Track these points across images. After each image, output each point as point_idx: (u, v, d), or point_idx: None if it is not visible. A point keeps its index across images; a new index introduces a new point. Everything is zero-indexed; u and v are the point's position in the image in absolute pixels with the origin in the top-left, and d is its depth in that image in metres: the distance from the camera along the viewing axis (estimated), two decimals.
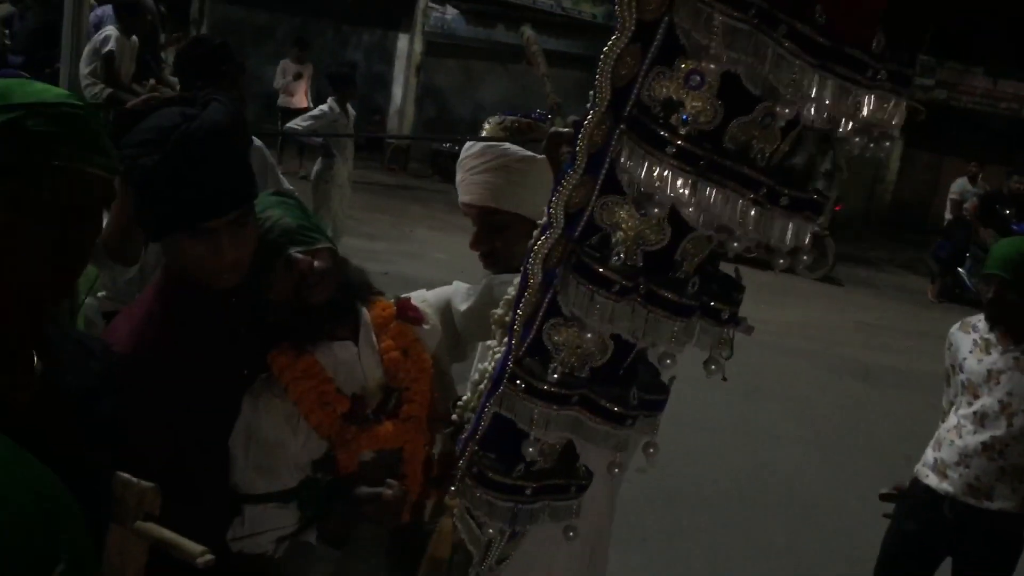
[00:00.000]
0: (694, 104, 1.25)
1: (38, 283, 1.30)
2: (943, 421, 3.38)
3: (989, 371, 3.19)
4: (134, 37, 6.96)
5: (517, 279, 1.44)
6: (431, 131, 16.90)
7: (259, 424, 1.85)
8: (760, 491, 4.90)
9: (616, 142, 1.29)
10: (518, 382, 1.35)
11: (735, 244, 1.30)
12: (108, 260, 2.62)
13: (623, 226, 1.34)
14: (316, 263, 1.84)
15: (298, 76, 13.22)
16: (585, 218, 1.36)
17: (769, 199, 1.27)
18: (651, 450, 1.42)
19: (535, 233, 1.40)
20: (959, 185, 13.00)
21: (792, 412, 6.58)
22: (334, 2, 16.15)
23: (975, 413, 3.20)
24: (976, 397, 3.22)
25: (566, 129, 1.84)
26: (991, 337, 3.22)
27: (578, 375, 1.36)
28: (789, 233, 1.30)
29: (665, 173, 1.23)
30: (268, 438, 1.85)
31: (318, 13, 16.22)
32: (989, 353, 3.22)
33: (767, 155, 1.31)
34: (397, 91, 16.98)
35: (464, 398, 1.60)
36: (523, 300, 1.43)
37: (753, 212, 1.27)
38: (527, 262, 1.39)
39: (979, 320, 3.30)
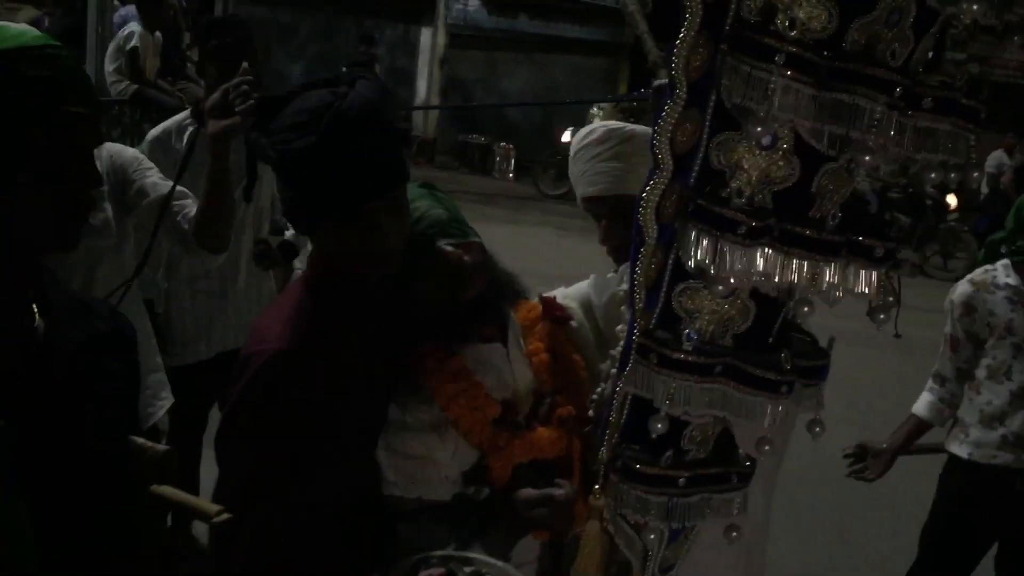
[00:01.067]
0: (805, 8, 1.10)
1: (39, 235, 1.26)
2: (961, 389, 3.12)
3: None
4: (157, 33, 6.88)
5: None
6: (457, 125, 16.77)
7: (406, 432, 1.72)
8: (806, 469, 4.85)
9: (721, 65, 1.14)
10: (650, 355, 1.19)
11: (874, 170, 1.15)
12: (196, 247, 2.57)
13: (745, 164, 1.20)
14: (468, 257, 1.70)
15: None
16: (699, 160, 1.21)
17: (907, 101, 1.12)
18: (817, 429, 1.26)
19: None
20: (995, 158, 12.74)
21: (834, 390, 6.43)
22: None
23: None
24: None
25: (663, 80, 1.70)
26: None
27: (720, 343, 1.20)
28: (941, 142, 1.16)
29: (779, 86, 1.08)
30: (416, 447, 1.71)
31: (341, 10, 16.13)
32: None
33: (901, 57, 1.16)
34: (421, 85, 16.86)
35: (599, 389, 1.46)
36: (640, 261, 1.26)
37: (892, 119, 1.12)
38: (637, 214, 1.23)
39: (999, 276, 3.04)
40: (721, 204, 1.18)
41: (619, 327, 1.34)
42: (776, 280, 1.15)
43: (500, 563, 1.62)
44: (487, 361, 1.75)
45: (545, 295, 1.92)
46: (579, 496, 1.72)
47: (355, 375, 1.62)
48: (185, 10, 8.51)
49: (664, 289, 1.22)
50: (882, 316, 1.17)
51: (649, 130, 2.09)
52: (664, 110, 1.20)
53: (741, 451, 1.30)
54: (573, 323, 1.92)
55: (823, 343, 1.37)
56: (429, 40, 16.79)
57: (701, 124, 1.22)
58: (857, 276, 1.16)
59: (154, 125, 3.48)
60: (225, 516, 1.35)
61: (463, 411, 1.70)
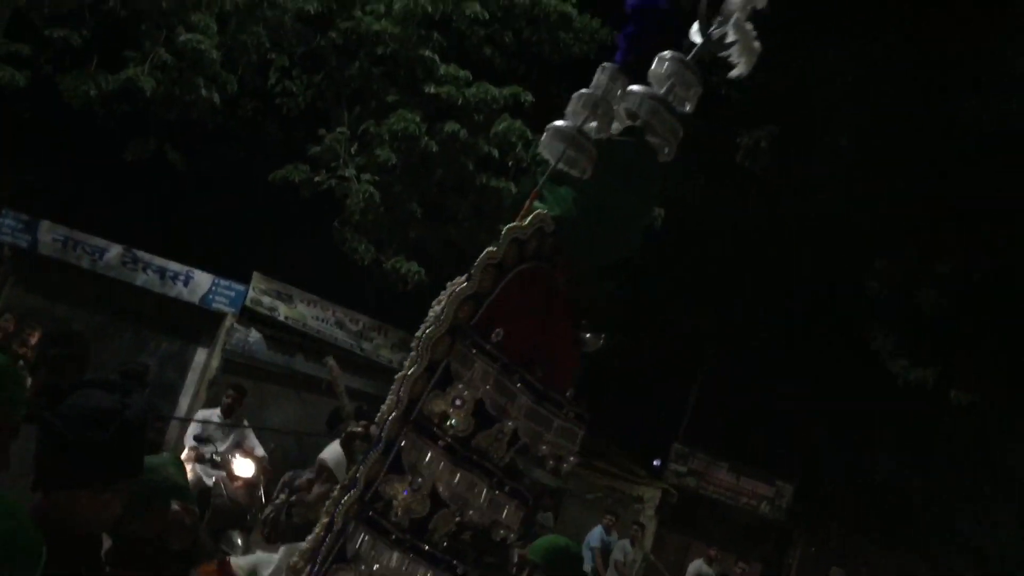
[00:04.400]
0: (457, 417, 1.92)
1: None
2: None
3: None
4: None
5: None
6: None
7: None
8: None
9: (403, 437, 1.92)
10: None
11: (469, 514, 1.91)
12: None
13: (398, 497, 1.93)
14: (187, 519, 2.31)
15: None
16: (375, 486, 1.94)
17: (498, 486, 1.92)
18: None
19: (335, 494, 1.96)
20: (695, 567, 14.21)
21: None
22: (140, 305, 16.51)
23: None
24: None
25: (359, 429, 2.47)
26: None
27: None
28: (506, 511, 1.94)
29: (434, 457, 1.86)
30: None
31: (121, 313, 16.45)
32: None
33: (500, 457, 1.98)
34: (184, 401, 17.00)
35: None
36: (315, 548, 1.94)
37: (485, 492, 1.91)
38: (332, 516, 1.93)
39: None
40: (383, 517, 1.90)
41: None
42: None
43: None
44: None
45: (227, 559, 2.54)
46: None
47: None
48: None
49: (319, 564, 1.90)
50: None
51: None
52: (367, 457, 1.96)
53: None
54: None
55: None
56: (203, 360, 17.23)
57: (382, 464, 1.96)
58: None
59: None
60: None
61: None
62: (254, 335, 17.42)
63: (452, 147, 12.84)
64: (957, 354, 14.32)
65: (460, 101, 12.77)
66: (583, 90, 2.10)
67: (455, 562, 1.91)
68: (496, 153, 12.91)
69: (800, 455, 20.95)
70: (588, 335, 2.20)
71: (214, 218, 16.58)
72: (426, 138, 12.78)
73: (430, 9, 12.33)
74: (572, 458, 2.07)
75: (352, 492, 1.91)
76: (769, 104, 13.97)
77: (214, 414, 10.05)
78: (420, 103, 13.08)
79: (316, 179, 13.01)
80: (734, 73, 2.38)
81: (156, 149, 13.63)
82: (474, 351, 1.83)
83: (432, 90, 12.89)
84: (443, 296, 1.97)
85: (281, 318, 17.24)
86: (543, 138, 2.07)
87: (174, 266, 16.42)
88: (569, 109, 2.09)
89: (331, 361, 9.51)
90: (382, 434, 1.91)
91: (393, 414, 1.91)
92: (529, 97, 12.99)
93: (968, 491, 18.92)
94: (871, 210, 14.54)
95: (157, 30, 11.87)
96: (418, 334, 1.95)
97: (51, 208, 15.53)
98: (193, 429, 9.92)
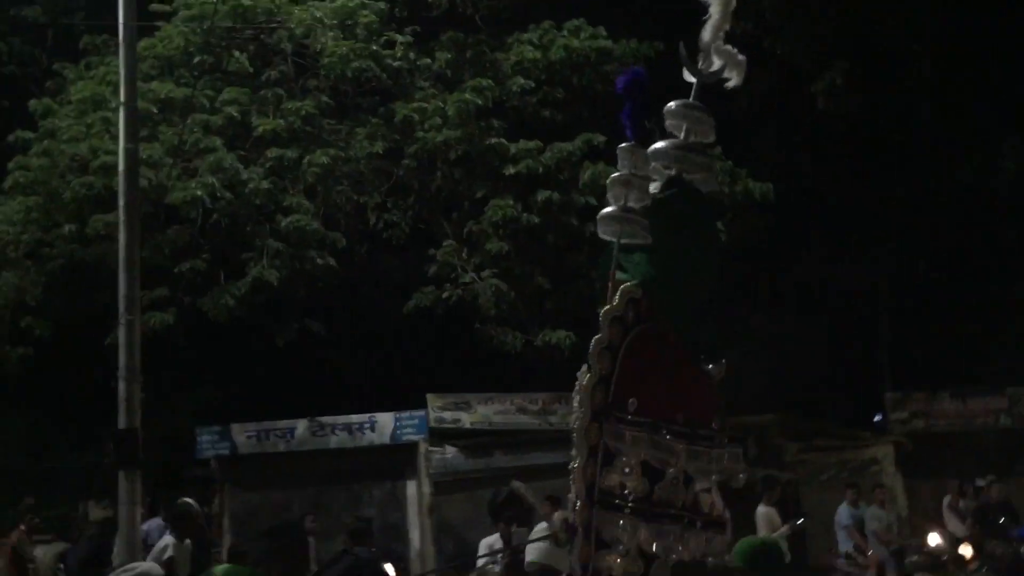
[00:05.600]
0: (631, 483, 2.21)
1: None
2: None
3: None
4: (187, 540, 7.98)
5: None
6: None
7: None
8: None
9: (595, 517, 2.22)
10: None
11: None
12: None
13: (616, 568, 2.23)
14: None
15: None
16: (591, 567, 2.24)
17: (690, 525, 2.19)
18: None
19: None
20: (946, 504, 13.78)
21: None
22: (340, 464, 17.45)
23: None
24: None
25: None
26: None
27: None
28: (709, 543, 2.21)
29: (625, 523, 2.16)
30: None
31: (329, 478, 17.43)
32: None
33: (682, 500, 2.25)
34: (414, 535, 17.73)
35: None
36: None
37: (682, 534, 2.18)
38: None
39: None
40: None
41: None
42: None
43: None
44: None
45: None
46: None
47: None
48: (209, 517, 9.73)
49: None
50: None
51: None
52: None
53: None
54: None
55: None
56: (415, 491, 17.98)
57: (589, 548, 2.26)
58: None
59: None
60: None
61: None
62: (449, 450, 18.09)
63: (551, 213, 13.27)
64: None
65: (540, 170, 13.23)
66: (614, 174, 2.43)
67: None
68: (593, 200, 13.26)
69: (1012, 358, 19.86)
70: (712, 367, 2.48)
71: (372, 363, 17.49)
72: (525, 215, 13.27)
73: (480, 102, 12.93)
74: (742, 475, 2.33)
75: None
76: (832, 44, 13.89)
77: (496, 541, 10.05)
78: (507, 186, 13.62)
79: (444, 296, 13.63)
80: (731, 84, 2.68)
81: (298, 326, 14.59)
82: (620, 426, 2.13)
83: (511, 171, 13.41)
84: (577, 382, 2.30)
85: (467, 426, 17.87)
86: (598, 227, 2.41)
87: (355, 418, 17.36)
88: (609, 195, 2.42)
89: (516, 483, 9.84)
90: (575, 522, 2.22)
91: (579, 503, 2.22)
92: (601, 137, 13.33)
93: None
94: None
95: (260, 226, 12.88)
96: (573, 426, 2.27)
97: (235, 413, 16.76)
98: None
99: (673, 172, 2.48)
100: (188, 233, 12.69)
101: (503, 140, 13.61)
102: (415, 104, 13.64)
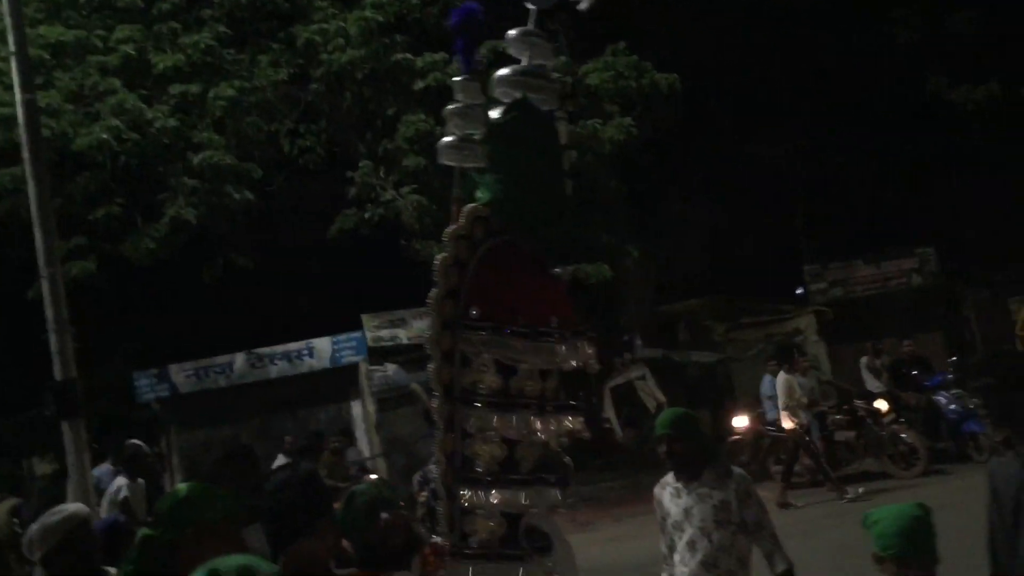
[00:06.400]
0: (485, 379, 2.52)
1: None
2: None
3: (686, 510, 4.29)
4: (140, 480, 8.29)
5: None
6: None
7: None
8: None
9: (456, 412, 2.54)
10: None
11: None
12: None
13: (482, 452, 2.55)
14: (396, 521, 3.09)
15: None
16: (458, 454, 2.57)
17: (541, 411, 2.52)
18: None
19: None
20: (864, 364, 14.63)
21: None
22: (284, 392, 17.71)
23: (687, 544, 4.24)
24: (683, 532, 4.27)
25: None
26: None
27: None
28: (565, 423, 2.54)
29: (484, 415, 2.48)
30: None
31: (275, 410, 17.72)
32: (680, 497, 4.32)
33: (537, 389, 2.57)
34: (364, 453, 18.21)
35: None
36: None
37: (537, 420, 2.51)
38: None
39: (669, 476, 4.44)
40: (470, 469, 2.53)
41: None
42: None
43: None
44: None
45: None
46: None
47: None
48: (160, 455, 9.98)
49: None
50: None
51: None
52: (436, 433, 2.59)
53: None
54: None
55: None
56: (360, 411, 18.38)
57: (453, 439, 2.58)
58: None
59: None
60: None
61: None
62: (390, 367, 18.46)
63: None
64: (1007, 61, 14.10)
65: (449, 81, 13.27)
66: (449, 106, 2.67)
67: (543, 477, 2.53)
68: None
69: (928, 215, 20.63)
70: (558, 269, 2.78)
71: (303, 290, 17.62)
72: (438, 128, 13.34)
73: (382, 19, 12.86)
74: (594, 362, 2.65)
75: (440, 468, 2.54)
76: None
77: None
78: (417, 101, 13.66)
79: (367, 216, 13.76)
80: (582, 6, 2.91)
81: (224, 261, 14.63)
82: (467, 332, 2.43)
83: (420, 85, 13.43)
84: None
85: (405, 342, 18.21)
86: (439, 156, 2.66)
87: (293, 346, 17.58)
88: (448, 126, 2.67)
89: (413, 384, 10.50)
90: (437, 418, 2.53)
91: (437, 400, 2.53)
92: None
93: None
94: None
95: (172, 165, 12.80)
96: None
97: (172, 354, 16.83)
98: None
99: (517, 95, 2.72)
100: (99, 179, 12.56)
101: (408, 55, 13.58)
102: (316, 26, 13.50)
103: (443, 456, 2.51)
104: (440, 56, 13.66)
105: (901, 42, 15.89)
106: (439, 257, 2.50)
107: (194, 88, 12.78)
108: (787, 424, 12.46)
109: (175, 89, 12.78)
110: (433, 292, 2.47)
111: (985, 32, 14.44)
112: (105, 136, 11.71)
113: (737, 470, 4.44)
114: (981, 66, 14.59)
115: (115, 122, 11.95)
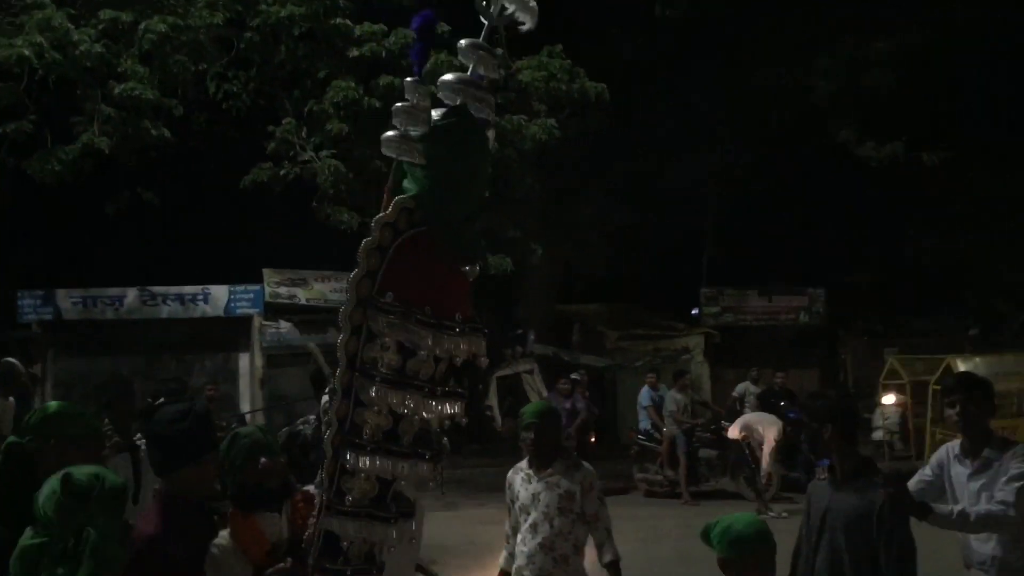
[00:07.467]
0: (386, 356, 2.77)
1: None
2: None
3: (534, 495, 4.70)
4: (11, 398, 8.16)
5: None
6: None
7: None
8: None
9: (354, 382, 2.78)
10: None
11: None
12: None
13: (370, 421, 2.80)
14: (273, 466, 3.28)
15: None
16: (348, 420, 2.81)
17: (431, 394, 2.78)
18: None
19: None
20: (740, 388, 15.34)
21: None
22: (172, 334, 17.50)
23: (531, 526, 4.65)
24: (529, 515, 4.68)
25: None
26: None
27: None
28: (450, 407, 2.81)
29: (379, 388, 2.73)
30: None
31: (158, 347, 17.48)
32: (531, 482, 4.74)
33: (430, 373, 2.83)
34: (245, 406, 18.13)
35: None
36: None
37: (427, 401, 2.77)
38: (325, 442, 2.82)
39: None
40: (356, 436, 2.77)
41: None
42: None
43: None
44: (268, 520, 3.23)
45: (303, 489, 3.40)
46: None
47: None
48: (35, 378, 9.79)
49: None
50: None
51: None
52: (333, 400, 2.82)
53: None
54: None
55: None
56: (247, 364, 18.29)
57: (348, 406, 2.82)
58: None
59: None
60: None
61: (249, 544, 3.15)
62: (284, 325, 18.43)
63: (393, 98, 13.42)
64: (915, 124, 14.95)
65: (384, 54, 13.36)
66: (398, 104, 2.89)
67: (420, 451, 2.80)
68: (434, 88, 13.49)
69: (824, 259, 21.64)
70: (467, 268, 3.04)
71: (207, 235, 17.42)
72: (367, 98, 13.41)
73: None
74: (484, 358, 2.91)
75: (331, 430, 2.78)
76: None
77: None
78: (350, 68, 13.68)
79: (282, 172, 13.73)
80: (524, 28, 3.15)
81: (131, 195, 14.38)
82: (378, 313, 2.67)
83: (355, 53, 13.46)
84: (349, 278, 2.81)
85: (303, 302, 18.20)
86: (382, 147, 2.88)
87: (188, 289, 17.39)
88: (394, 121, 2.89)
89: (311, 345, 10.76)
90: (337, 385, 2.76)
91: (339, 369, 2.76)
92: (446, 27, 13.49)
93: (979, 239, 19.58)
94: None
95: (92, 90, 12.53)
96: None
97: (61, 278, 16.45)
98: None
99: (458, 101, 2.96)
100: (13, 92, 12.20)
101: (348, 21, 13.58)
102: None
103: (336, 419, 2.74)
104: (379, 27, 13.71)
105: (822, 92, 16.66)
106: (365, 240, 2.74)
107: (125, 17, 12.50)
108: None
109: (105, 15, 12.47)
110: (354, 272, 2.71)
111: (898, 91, 15.27)
112: (27, 52, 11.37)
113: (586, 465, 4.82)
114: (889, 124, 15.42)
115: (39, 38, 11.61)
